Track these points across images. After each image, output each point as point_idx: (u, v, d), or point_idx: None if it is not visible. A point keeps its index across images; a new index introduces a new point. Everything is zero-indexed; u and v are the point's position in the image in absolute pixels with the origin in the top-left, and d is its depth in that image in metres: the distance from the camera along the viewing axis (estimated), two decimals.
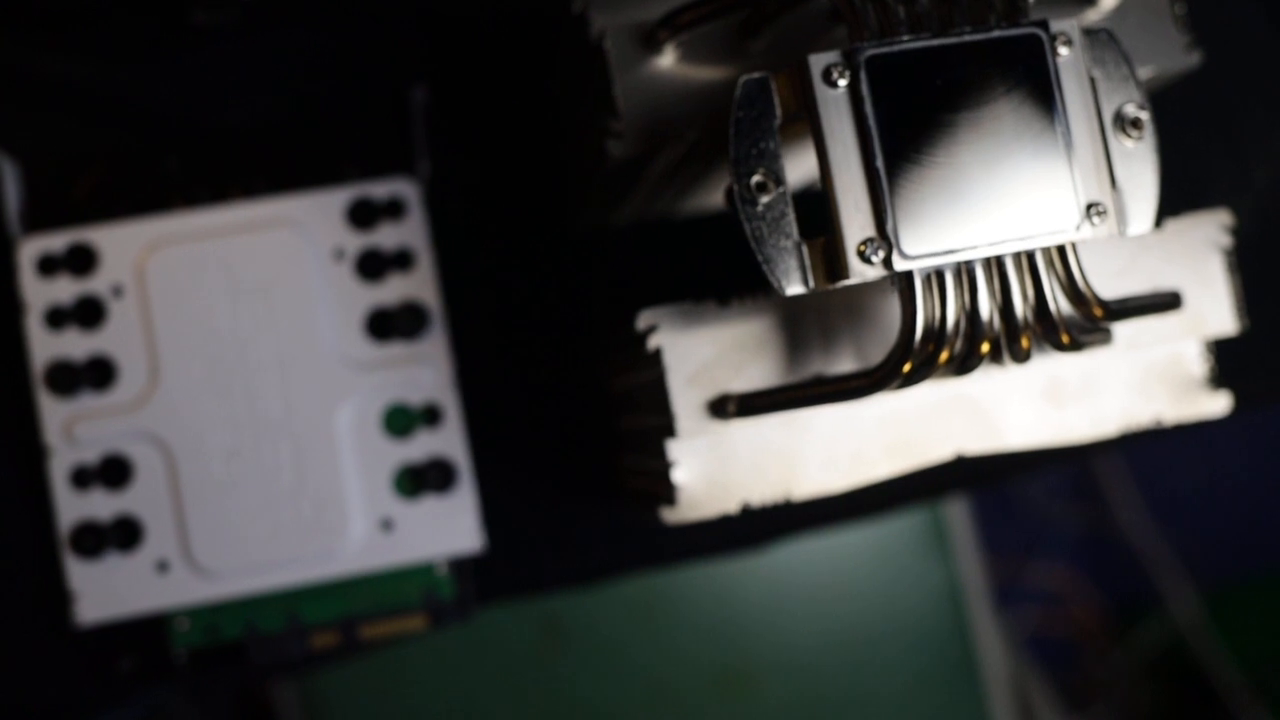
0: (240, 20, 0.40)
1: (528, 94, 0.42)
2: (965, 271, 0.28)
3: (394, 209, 0.40)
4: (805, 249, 0.28)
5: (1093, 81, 0.30)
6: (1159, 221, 0.35)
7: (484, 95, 0.42)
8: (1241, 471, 1.06)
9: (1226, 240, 0.35)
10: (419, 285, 0.40)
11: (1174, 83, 0.37)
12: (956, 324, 0.28)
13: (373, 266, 0.39)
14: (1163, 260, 0.35)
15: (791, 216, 0.28)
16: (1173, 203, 0.46)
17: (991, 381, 0.34)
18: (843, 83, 0.28)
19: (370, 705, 0.67)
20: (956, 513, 0.74)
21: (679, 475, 0.33)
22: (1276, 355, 0.46)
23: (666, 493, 0.33)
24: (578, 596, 0.66)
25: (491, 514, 0.41)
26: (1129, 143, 0.30)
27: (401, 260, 0.40)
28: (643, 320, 0.32)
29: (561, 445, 0.42)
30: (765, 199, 0.28)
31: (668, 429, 0.32)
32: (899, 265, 0.28)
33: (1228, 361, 0.46)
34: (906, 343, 0.28)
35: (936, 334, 0.28)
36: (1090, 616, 1.08)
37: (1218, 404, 0.36)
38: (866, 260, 0.28)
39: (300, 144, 0.40)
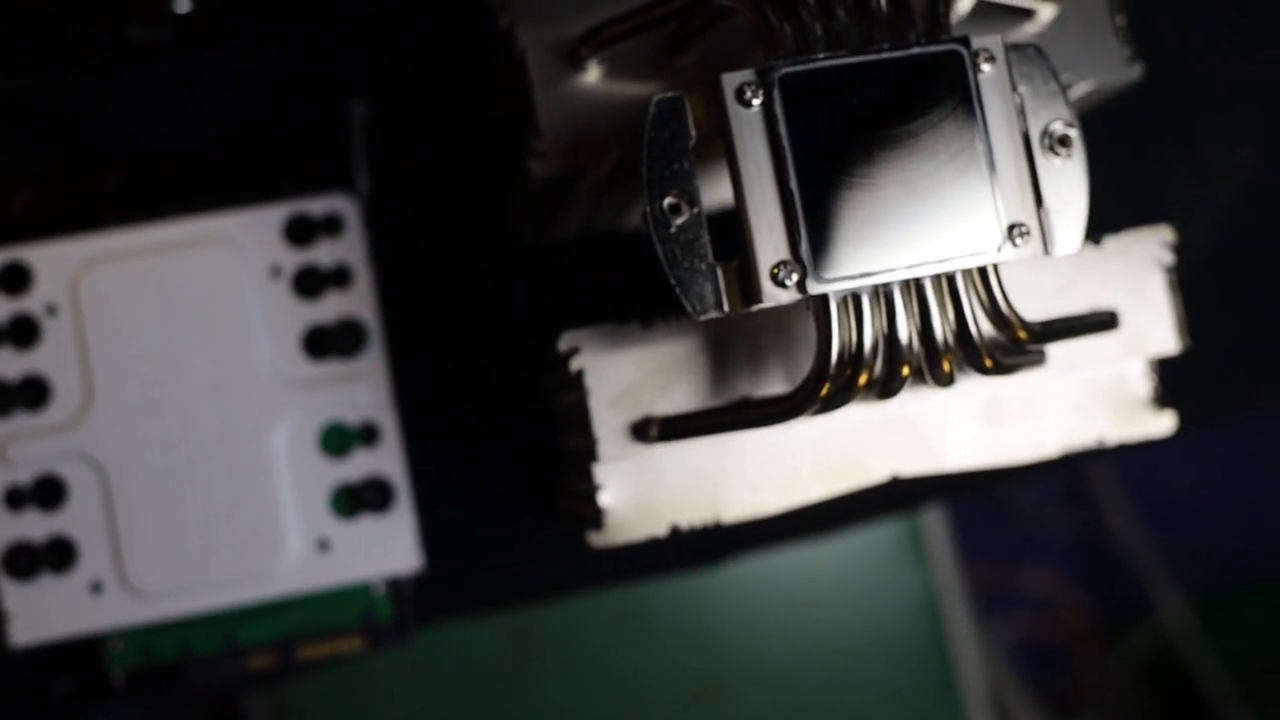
0: (177, 36, 0.40)
1: (469, 106, 0.41)
2: (883, 294, 0.28)
3: (332, 225, 0.39)
4: (720, 272, 0.28)
5: (1021, 98, 0.29)
6: (1098, 238, 0.34)
7: (425, 108, 0.41)
8: (1232, 478, 1.05)
9: (1169, 257, 0.34)
10: (357, 302, 0.39)
11: (1117, 95, 0.36)
12: (874, 348, 0.28)
13: (310, 284, 0.39)
14: (1103, 278, 0.34)
15: (706, 239, 0.28)
16: (1132, 215, 0.45)
17: (928, 402, 0.33)
18: (756, 102, 0.27)
19: (343, 717, 0.67)
20: (934, 521, 0.73)
21: (605, 499, 0.32)
22: (1236, 368, 0.45)
23: (593, 516, 0.33)
24: (552, 606, 0.66)
25: (435, 532, 0.40)
26: (1057, 161, 0.29)
27: (339, 277, 0.39)
28: (564, 342, 0.31)
29: (506, 463, 0.41)
30: (679, 221, 0.28)
31: (591, 452, 0.32)
32: (813, 289, 0.27)
33: (1184, 376, 0.45)
34: (822, 368, 0.28)
35: (854, 358, 0.28)
36: (1081, 622, 1.07)
37: (1162, 424, 0.35)
38: (780, 284, 0.27)
39: (239, 160, 0.40)
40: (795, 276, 0.27)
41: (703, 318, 0.28)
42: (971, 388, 0.34)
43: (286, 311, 0.39)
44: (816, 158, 0.27)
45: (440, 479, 0.41)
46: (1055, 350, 0.33)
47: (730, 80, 0.27)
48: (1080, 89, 0.34)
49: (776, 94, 0.27)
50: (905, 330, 0.28)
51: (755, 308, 0.27)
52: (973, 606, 0.90)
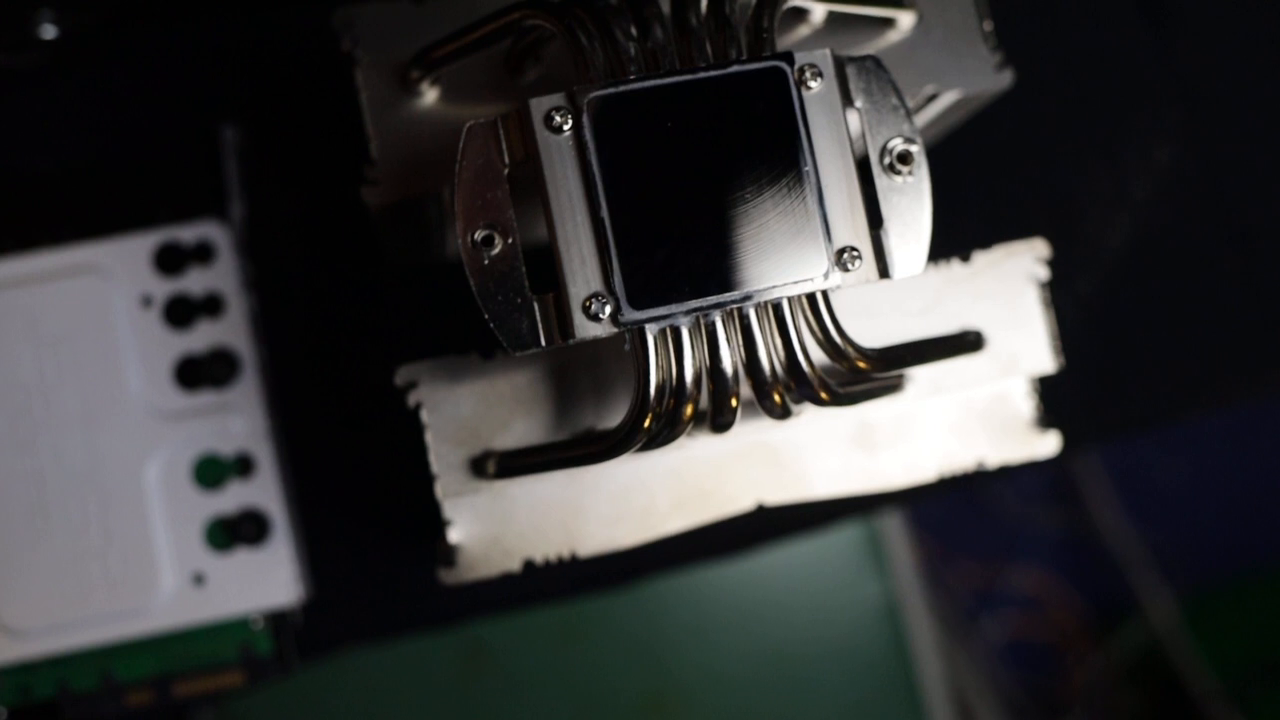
0: (45, 62, 0.39)
1: (348, 130, 0.40)
2: (703, 325, 0.26)
3: (203, 253, 0.38)
4: (537, 305, 0.27)
5: (860, 114, 0.28)
6: (967, 255, 0.33)
7: (303, 131, 0.40)
8: (1219, 475, 1.03)
9: (1043, 272, 0.33)
10: (229, 331, 0.38)
11: (989, 104, 0.34)
12: (697, 380, 0.26)
13: (181, 313, 0.38)
14: (972, 297, 0.32)
15: (522, 272, 0.26)
16: (1049, 219, 0.44)
17: (792, 429, 0.32)
18: (567, 127, 0.26)
19: None
20: (893, 526, 0.72)
21: (454, 535, 0.31)
22: (1156, 375, 0.44)
23: (444, 552, 0.32)
24: (502, 619, 0.65)
25: (323, 562, 0.39)
26: (898, 179, 0.28)
27: (211, 306, 0.38)
28: (400, 376, 0.30)
29: (394, 491, 0.40)
30: (492, 253, 0.26)
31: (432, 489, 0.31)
32: (626, 321, 0.26)
33: (1108, 384, 0.44)
34: (641, 402, 0.26)
35: (675, 391, 0.26)
36: (1069, 620, 1.06)
37: (1047, 445, 0.34)
38: (593, 317, 0.26)
39: (111, 188, 0.39)
40: (608, 309, 0.26)
41: (519, 354, 0.26)
42: (838, 412, 0.32)
43: (158, 342, 0.38)
44: (630, 185, 0.26)
45: (328, 507, 0.40)
46: (922, 373, 0.32)
47: (539, 105, 0.26)
48: (947, 98, 0.33)
49: (586, 119, 0.26)
50: (729, 362, 0.26)
51: (570, 342, 0.26)
52: (936, 612, 0.89)
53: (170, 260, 0.38)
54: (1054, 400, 0.37)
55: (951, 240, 0.34)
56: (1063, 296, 0.43)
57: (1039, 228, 0.42)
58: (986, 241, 0.33)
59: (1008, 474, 0.35)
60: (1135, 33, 0.45)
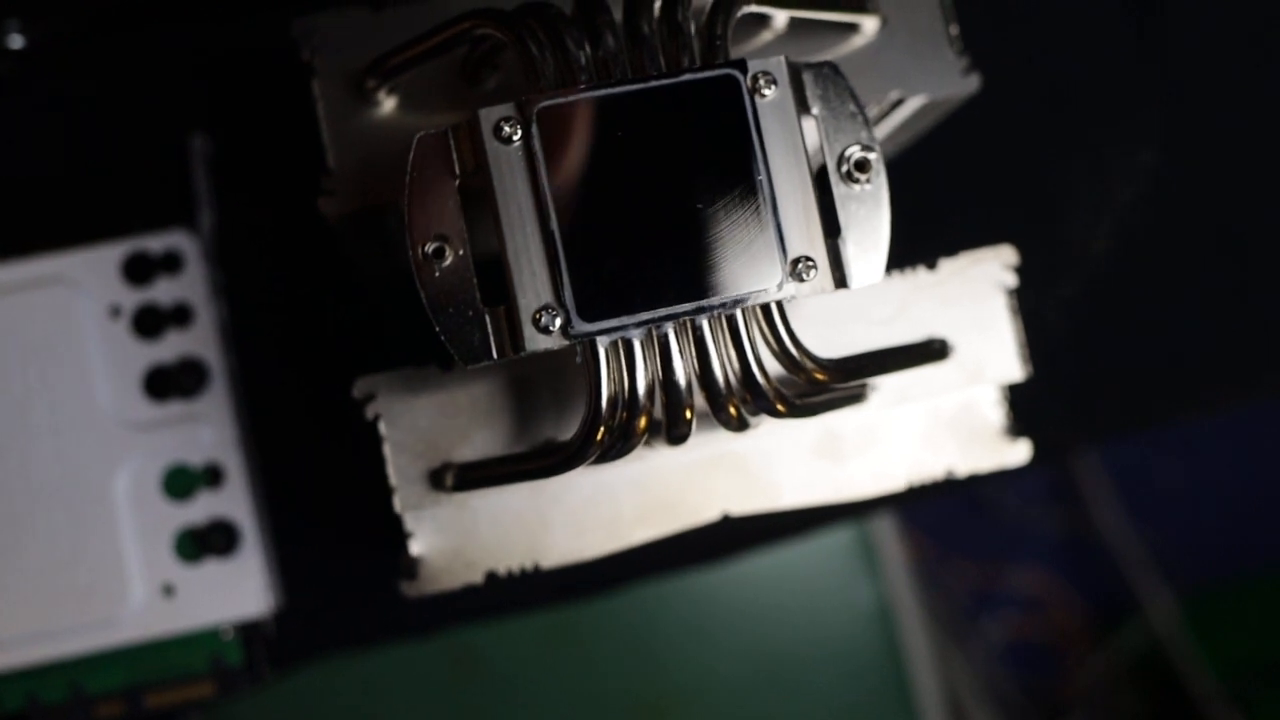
0: (13, 71, 0.39)
1: (315, 137, 0.40)
2: (656, 336, 0.26)
3: (171, 263, 0.38)
4: (489, 318, 0.26)
5: (818, 121, 0.27)
6: (933, 263, 0.32)
7: (272, 140, 0.40)
8: (1220, 475, 1.02)
9: (1010, 279, 0.33)
10: (198, 341, 0.38)
11: (963, 107, 0.34)
12: (650, 392, 0.26)
13: (150, 323, 0.38)
14: (938, 304, 0.32)
15: (474, 284, 0.26)
16: (1032, 224, 0.44)
17: (758, 437, 0.32)
18: (516, 138, 0.26)
19: None
20: (885, 529, 0.72)
21: (415, 547, 0.31)
22: (1149, 377, 0.43)
23: (406, 564, 0.31)
24: (492, 625, 0.65)
25: (294, 571, 0.39)
26: (856, 187, 0.27)
27: (180, 316, 0.38)
28: (358, 388, 0.30)
29: (365, 499, 0.40)
30: (443, 265, 0.26)
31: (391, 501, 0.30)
32: (576, 333, 0.25)
33: (1096, 387, 0.43)
34: (594, 415, 0.26)
35: (628, 403, 0.26)
36: (1069, 621, 1.05)
37: (1016, 453, 0.33)
38: (543, 329, 0.26)
39: (79, 198, 0.39)
40: (559, 321, 0.26)
41: (471, 367, 0.26)
42: (802, 422, 0.32)
43: (127, 352, 0.38)
44: (581, 195, 0.26)
45: (300, 517, 0.40)
46: (888, 382, 0.32)
47: (488, 115, 0.26)
48: (913, 103, 0.32)
49: (535, 129, 0.26)
50: (682, 373, 0.26)
51: (521, 354, 0.26)
52: (933, 614, 0.88)
53: (139, 270, 0.38)
54: (1049, 401, 0.37)
55: (935, 246, 0.34)
56: (1052, 299, 0.43)
57: (1024, 231, 0.41)
58: (972, 246, 0.33)
59: (978, 482, 0.34)
60: (1119, 34, 0.44)
